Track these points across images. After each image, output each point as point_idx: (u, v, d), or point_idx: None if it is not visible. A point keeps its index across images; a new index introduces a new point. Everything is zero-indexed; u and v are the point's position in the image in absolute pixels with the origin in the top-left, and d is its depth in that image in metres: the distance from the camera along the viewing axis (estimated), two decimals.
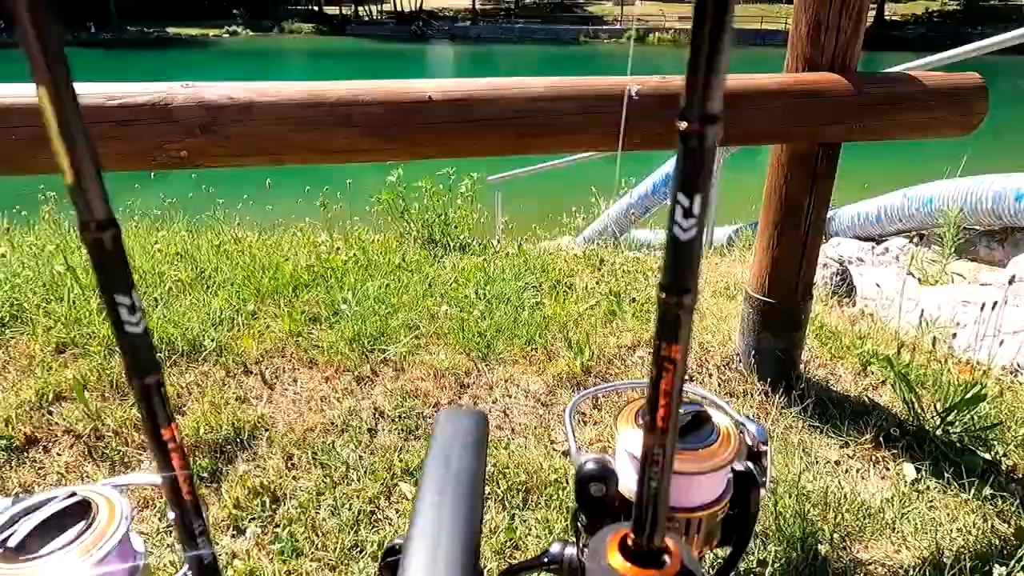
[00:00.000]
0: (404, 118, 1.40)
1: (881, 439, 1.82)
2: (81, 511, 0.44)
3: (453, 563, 0.37)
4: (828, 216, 3.25)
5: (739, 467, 0.55)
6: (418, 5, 53.08)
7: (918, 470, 1.72)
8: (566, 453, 1.75)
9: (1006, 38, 2.63)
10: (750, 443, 0.58)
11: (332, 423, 1.84)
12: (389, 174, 3.63)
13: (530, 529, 1.52)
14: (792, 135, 1.75)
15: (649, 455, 0.29)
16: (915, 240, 4.62)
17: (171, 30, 43.74)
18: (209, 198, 4.21)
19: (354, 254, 2.87)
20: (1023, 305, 2.62)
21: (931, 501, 1.63)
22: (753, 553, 1.46)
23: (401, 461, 1.70)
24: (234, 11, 48.50)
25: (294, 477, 1.67)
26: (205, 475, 1.65)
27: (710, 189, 0.24)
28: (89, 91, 1.25)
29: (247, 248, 2.93)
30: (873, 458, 1.79)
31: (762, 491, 0.55)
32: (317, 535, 1.50)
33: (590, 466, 0.53)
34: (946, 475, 1.70)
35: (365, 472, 1.68)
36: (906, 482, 1.70)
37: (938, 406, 1.88)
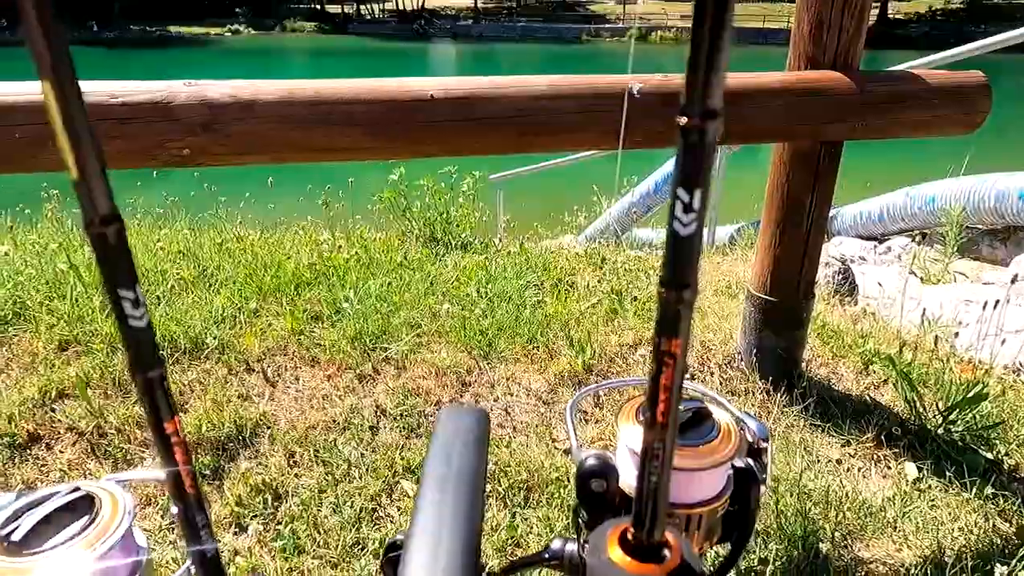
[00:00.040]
0: (406, 116, 1.40)
1: (883, 438, 1.82)
2: (85, 506, 0.44)
3: (454, 560, 0.37)
4: (830, 215, 3.26)
5: (739, 464, 0.55)
6: (420, 4, 52.98)
7: (920, 469, 1.72)
8: (567, 451, 1.75)
9: (1010, 36, 2.62)
10: (751, 440, 0.58)
11: (334, 421, 1.85)
12: (391, 172, 3.63)
13: (531, 527, 1.53)
14: (794, 133, 1.75)
15: (649, 450, 0.29)
16: (917, 239, 4.61)
17: (173, 29, 43.77)
18: (211, 196, 4.21)
19: (356, 252, 2.87)
20: None
21: (933, 500, 1.63)
22: (754, 551, 1.46)
23: (403, 459, 1.71)
24: (236, 10, 48.52)
25: (296, 475, 1.67)
26: (207, 472, 1.66)
27: (710, 185, 0.24)
28: (91, 89, 1.25)
29: (249, 246, 2.93)
30: (875, 457, 1.79)
31: (762, 488, 0.55)
32: (319, 532, 1.50)
33: (591, 462, 0.53)
34: (948, 474, 1.70)
35: (367, 470, 1.68)
36: (908, 481, 1.70)
37: (940, 405, 1.87)
